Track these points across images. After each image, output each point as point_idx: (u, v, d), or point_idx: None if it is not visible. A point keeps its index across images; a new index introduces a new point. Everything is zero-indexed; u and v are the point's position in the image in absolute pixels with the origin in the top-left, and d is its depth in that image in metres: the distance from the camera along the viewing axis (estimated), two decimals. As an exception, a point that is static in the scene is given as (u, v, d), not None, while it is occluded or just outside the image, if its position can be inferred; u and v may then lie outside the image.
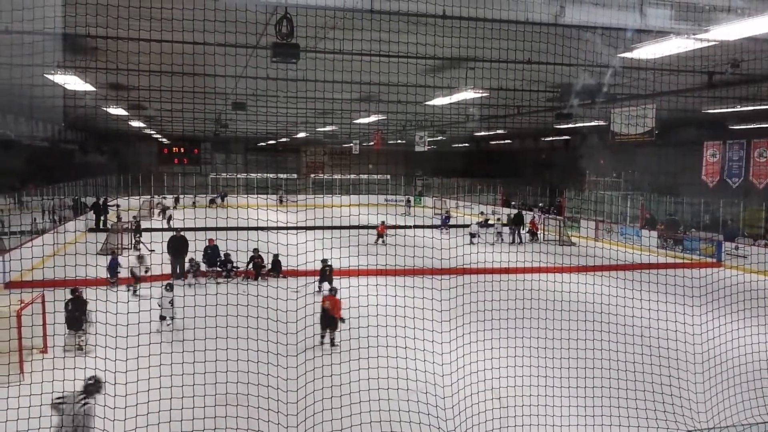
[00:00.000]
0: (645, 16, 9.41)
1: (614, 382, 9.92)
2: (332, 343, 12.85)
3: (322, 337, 13.06)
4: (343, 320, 12.68)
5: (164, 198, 39.35)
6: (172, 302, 13.67)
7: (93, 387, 7.44)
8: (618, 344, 10.61)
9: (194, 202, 44.06)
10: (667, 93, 15.64)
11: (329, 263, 17.29)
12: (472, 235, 27.87)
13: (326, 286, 15.81)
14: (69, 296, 12.36)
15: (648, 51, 11.08)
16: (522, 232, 29.41)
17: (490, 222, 31.95)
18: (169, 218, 31.86)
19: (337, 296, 13.26)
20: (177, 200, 42.20)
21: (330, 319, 12.95)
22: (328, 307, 13.01)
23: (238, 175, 51.13)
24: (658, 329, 11.51)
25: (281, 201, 44.54)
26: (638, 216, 30.87)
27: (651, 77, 15.61)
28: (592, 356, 10.80)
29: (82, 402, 7.23)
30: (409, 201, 44.85)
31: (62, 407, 7.16)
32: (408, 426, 8.75)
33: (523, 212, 31.81)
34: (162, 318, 13.58)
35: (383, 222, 28.54)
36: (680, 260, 24.28)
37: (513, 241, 28.82)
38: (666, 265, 21.25)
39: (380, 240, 27.51)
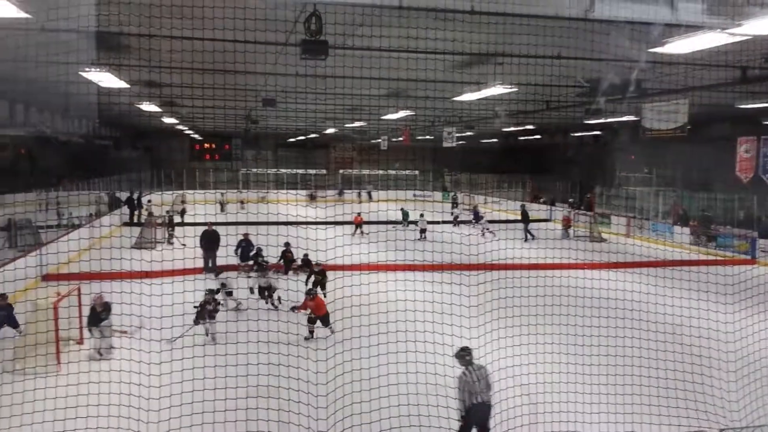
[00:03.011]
0: (676, 10, 9.31)
1: (645, 379, 9.86)
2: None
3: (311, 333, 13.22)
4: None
5: (221, 193, 40.02)
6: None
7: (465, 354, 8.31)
8: (649, 342, 10.53)
9: (312, 195, 44.47)
10: (699, 88, 15.43)
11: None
12: (423, 231, 27.52)
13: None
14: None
15: (679, 45, 10.96)
16: (529, 228, 28.57)
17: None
18: (183, 212, 32.31)
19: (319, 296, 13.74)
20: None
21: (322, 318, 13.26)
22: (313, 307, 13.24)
23: (268, 171, 51.60)
24: (690, 327, 11.39)
25: (369, 196, 45.36)
26: (670, 212, 30.44)
27: (683, 72, 15.41)
28: (623, 353, 10.74)
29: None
30: (455, 198, 44.47)
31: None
32: (437, 420, 8.80)
33: (530, 208, 31.09)
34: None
35: (359, 213, 28.68)
36: (713, 257, 23.93)
37: (526, 239, 28.12)
38: (699, 262, 20.96)
39: (358, 231, 27.92)
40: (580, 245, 24.70)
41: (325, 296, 15.12)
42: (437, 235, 23.13)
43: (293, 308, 13.56)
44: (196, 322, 12.59)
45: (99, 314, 11.72)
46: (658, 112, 17.00)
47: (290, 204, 39.18)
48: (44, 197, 26.38)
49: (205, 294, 12.93)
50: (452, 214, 31.81)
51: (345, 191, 47.55)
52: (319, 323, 13.22)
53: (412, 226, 28.78)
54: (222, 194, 39.94)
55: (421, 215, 28.78)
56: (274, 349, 10.17)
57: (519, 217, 30.95)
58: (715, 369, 10.32)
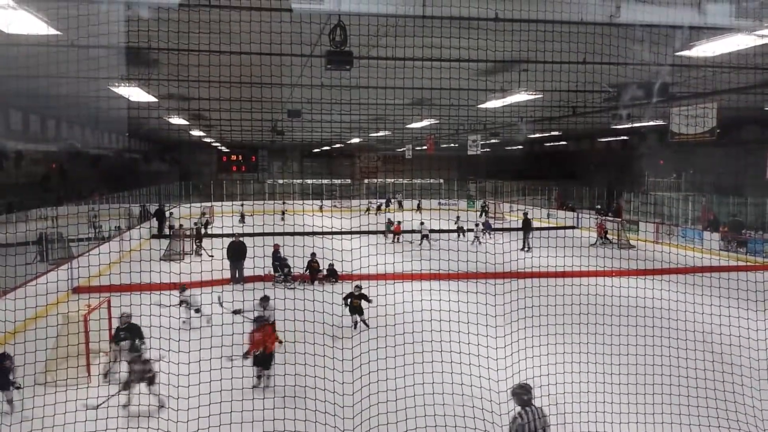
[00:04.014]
0: (703, 13, 9.21)
1: (675, 388, 9.70)
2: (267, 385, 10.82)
3: (259, 378, 10.81)
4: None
5: (241, 204, 40.35)
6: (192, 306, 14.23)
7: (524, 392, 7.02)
8: (679, 350, 10.37)
9: (381, 206, 44.04)
10: (728, 91, 15.22)
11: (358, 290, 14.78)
12: (424, 237, 27.89)
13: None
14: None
15: (707, 48, 10.83)
16: (530, 237, 27.16)
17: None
18: (206, 224, 32.54)
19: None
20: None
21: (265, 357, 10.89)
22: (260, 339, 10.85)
23: (294, 181, 51.89)
24: (721, 335, 11.20)
25: (400, 205, 45.51)
26: (700, 217, 30.02)
27: (711, 75, 15.23)
28: (652, 362, 10.59)
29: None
30: (485, 206, 43.86)
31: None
32: (464, 431, 8.76)
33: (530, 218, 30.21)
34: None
35: (399, 222, 29.99)
36: (744, 263, 23.52)
37: (523, 248, 26.68)
38: (729, 268, 20.62)
39: (396, 239, 29.01)
40: (608, 252, 24.46)
41: (366, 323, 14.16)
42: (462, 244, 23.07)
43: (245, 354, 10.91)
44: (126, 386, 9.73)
45: (119, 332, 11.32)
46: (686, 116, 16.77)
47: (344, 216, 39.03)
48: (76, 211, 26.85)
49: (130, 353, 9.96)
50: (456, 224, 31.08)
51: (392, 201, 47.28)
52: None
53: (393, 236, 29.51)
54: (242, 205, 40.19)
55: (422, 223, 29.53)
56: (300, 360, 10.22)
57: (541, 225, 30.45)
58: (746, 377, 10.12)
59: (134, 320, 11.47)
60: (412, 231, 29.93)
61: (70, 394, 9.40)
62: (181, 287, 14.66)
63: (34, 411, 8.49)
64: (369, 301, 14.27)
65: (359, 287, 14.60)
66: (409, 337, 10.58)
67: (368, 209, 42.06)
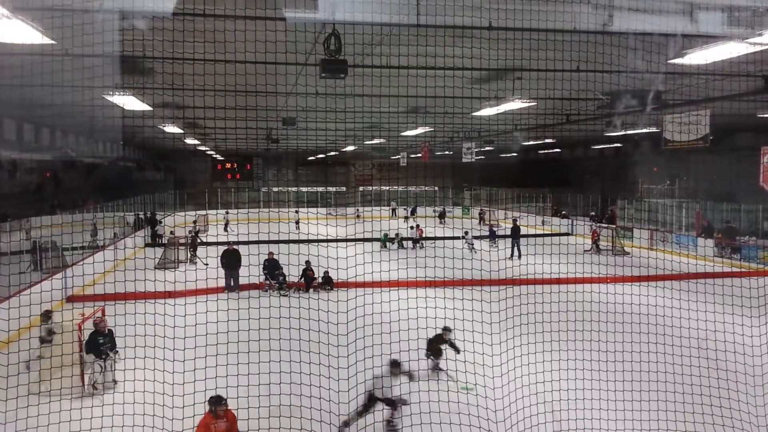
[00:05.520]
0: (695, 21, 9.28)
1: (670, 395, 9.72)
2: None
3: None
4: None
5: (227, 213, 40.22)
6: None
7: None
8: (674, 356, 10.39)
9: (443, 213, 43.87)
10: (720, 98, 15.31)
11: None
12: (416, 241, 28.98)
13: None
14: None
15: (699, 56, 10.90)
16: (519, 244, 26.74)
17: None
18: (198, 232, 32.38)
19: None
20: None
21: None
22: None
23: (290, 189, 51.85)
24: (716, 341, 11.21)
25: (441, 218, 45.26)
26: (694, 224, 30.12)
27: (703, 83, 15.32)
28: (647, 369, 10.60)
29: None
30: (482, 213, 43.44)
31: None
32: (460, 438, 8.75)
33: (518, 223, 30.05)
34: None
35: (419, 225, 31.08)
36: (738, 269, 23.59)
37: (512, 256, 26.33)
38: (723, 274, 20.67)
39: (419, 244, 29.64)
40: (603, 259, 24.49)
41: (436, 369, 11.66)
42: (458, 252, 23.07)
43: None
44: None
45: (96, 340, 11.07)
46: (679, 123, 16.86)
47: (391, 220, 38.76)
48: (70, 219, 26.77)
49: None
50: (396, 234, 29.94)
51: (417, 209, 46.42)
52: None
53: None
54: (227, 213, 40.06)
55: (416, 226, 30.48)
56: (296, 368, 10.20)
57: (536, 231, 30.47)
58: (741, 383, 10.14)
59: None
60: (454, 237, 30.33)
61: (64, 403, 9.35)
62: (47, 315, 12.08)
63: (27, 421, 8.43)
64: (457, 351, 11.32)
65: (448, 329, 11.47)
66: (405, 344, 10.53)
67: (406, 218, 42.03)
